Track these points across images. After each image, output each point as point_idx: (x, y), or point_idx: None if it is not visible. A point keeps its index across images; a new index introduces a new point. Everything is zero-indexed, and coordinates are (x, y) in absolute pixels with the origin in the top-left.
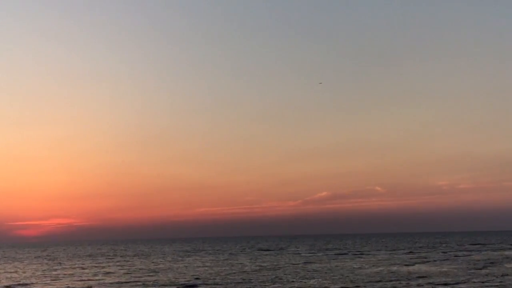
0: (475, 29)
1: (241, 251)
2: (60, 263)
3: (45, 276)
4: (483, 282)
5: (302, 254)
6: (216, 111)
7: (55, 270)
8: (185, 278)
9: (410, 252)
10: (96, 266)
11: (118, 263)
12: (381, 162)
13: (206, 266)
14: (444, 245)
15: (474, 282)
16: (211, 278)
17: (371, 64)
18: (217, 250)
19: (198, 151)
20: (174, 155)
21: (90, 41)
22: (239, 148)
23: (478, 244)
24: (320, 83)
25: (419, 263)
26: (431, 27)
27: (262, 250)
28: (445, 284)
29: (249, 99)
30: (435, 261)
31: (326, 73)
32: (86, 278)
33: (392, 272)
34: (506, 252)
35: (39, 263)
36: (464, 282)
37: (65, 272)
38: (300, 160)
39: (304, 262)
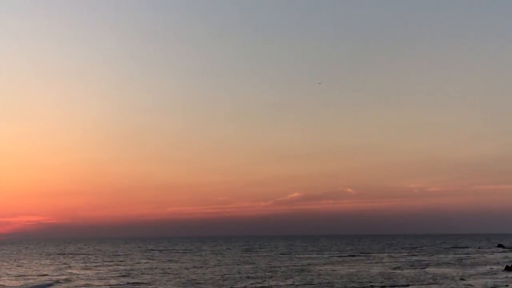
0: (446, 33)
1: (227, 251)
2: (18, 263)
3: None
4: None
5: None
6: (188, 110)
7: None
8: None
9: (408, 254)
10: (54, 264)
11: (85, 262)
12: (353, 164)
13: (194, 268)
14: (424, 247)
15: None
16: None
17: (344, 67)
18: (201, 249)
19: (170, 150)
20: (146, 153)
21: (64, 38)
22: (211, 147)
23: (467, 247)
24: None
25: (432, 265)
26: (402, 30)
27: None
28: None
29: (222, 98)
30: (444, 263)
31: (298, 74)
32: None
33: (420, 275)
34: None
35: None
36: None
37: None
38: (272, 161)
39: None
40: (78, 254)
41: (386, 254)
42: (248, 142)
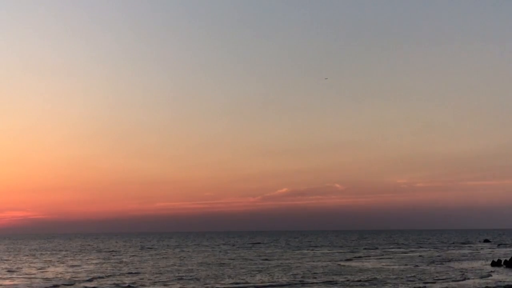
0: (432, 30)
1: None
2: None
3: None
4: None
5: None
6: (175, 106)
7: None
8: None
9: (416, 249)
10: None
11: (74, 258)
12: (341, 159)
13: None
14: (415, 242)
15: None
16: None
17: (332, 64)
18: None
19: (157, 146)
20: (133, 149)
21: (50, 34)
22: (198, 143)
23: (468, 243)
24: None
25: (452, 261)
26: (392, 28)
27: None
28: None
29: (209, 94)
30: (458, 259)
31: (286, 70)
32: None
33: (448, 270)
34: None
35: None
36: None
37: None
38: (260, 156)
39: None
40: (66, 251)
41: (393, 250)
42: (236, 137)
